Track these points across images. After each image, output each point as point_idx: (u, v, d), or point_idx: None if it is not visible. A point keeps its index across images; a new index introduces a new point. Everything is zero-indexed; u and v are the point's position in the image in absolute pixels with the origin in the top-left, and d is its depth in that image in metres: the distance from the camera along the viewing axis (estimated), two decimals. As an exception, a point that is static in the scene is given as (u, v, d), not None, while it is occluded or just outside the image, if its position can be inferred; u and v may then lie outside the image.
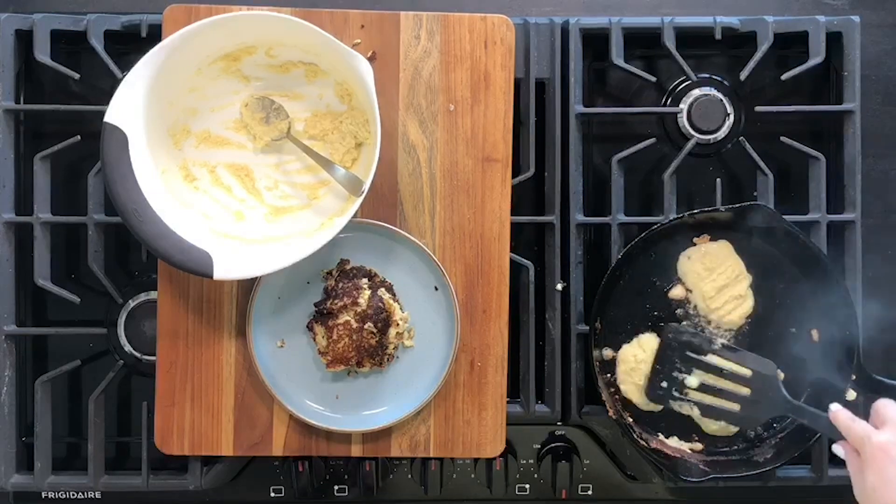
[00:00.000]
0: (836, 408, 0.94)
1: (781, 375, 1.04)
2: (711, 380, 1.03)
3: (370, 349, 1.01)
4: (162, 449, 1.04)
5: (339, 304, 1.01)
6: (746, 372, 1.02)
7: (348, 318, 1.01)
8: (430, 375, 1.04)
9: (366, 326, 1.00)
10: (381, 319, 1.01)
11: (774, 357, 1.04)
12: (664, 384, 1.04)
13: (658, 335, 1.06)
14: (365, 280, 1.02)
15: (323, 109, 1.04)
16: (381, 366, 1.03)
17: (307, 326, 1.03)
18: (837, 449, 0.94)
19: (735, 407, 1.02)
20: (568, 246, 1.08)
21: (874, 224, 1.12)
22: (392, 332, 1.02)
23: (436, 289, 1.04)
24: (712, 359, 1.03)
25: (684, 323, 1.06)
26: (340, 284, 1.02)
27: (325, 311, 1.01)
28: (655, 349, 1.05)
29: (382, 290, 1.02)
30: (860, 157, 1.08)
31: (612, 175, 1.08)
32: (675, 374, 1.04)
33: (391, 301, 1.02)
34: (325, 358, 1.02)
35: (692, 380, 1.03)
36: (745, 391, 1.02)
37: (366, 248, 1.03)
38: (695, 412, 1.05)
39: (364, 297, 1.01)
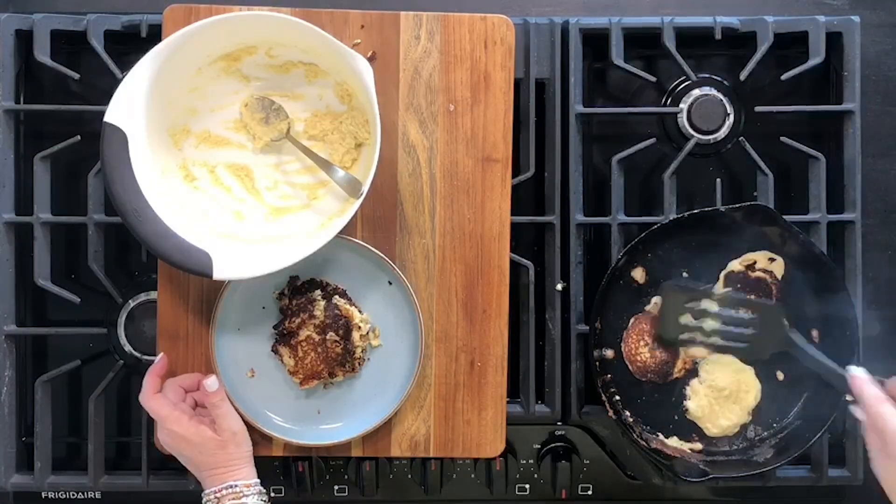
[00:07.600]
0: (856, 372, 0.93)
1: (786, 324, 1.04)
2: (714, 322, 1.04)
3: (338, 358, 1.01)
4: (162, 449, 1.04)
5: (297, 321, 1.01)
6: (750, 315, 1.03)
7: (309, 332, 1.01)
8: (405, 367, 1.03)
9: (328, 336, 1.00)
10: (342, 326, 1.00)
11: (775, 357, 1.04)
12: (675, 330, 1.05)
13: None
14: (318, 291, 1.02)
15: (323, 110, 1.04)
16: (353, 371, 1.03)
17: (272, 350, 1.03)
18: (857, 412, 0.92)
19: (742, 344, 1.04)
20: (568, 246, 1.08)
21: (874, 224, 1.12)
22: (355, 335, 1.01)
23: (389, 283, 1.03)
24: (712, 305, 1.04)
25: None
26: (294, 301, 1.01)
27: (285, 332, 1.01)
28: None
29: (337, 297, 1.02)
30: (860, 157, 1.08)
31: (612, 175, 1.08)
32: (683, 321, 1.04)
33: (347, 306, 1.01)
34: (297, 377, 1.02)
35: (710, 323, 1.04)
36: (751, 330, 1.03)
37: (311, 260, 0.97)
38: (703, 352, 1.05)
39: (319, 309, 1.00)
